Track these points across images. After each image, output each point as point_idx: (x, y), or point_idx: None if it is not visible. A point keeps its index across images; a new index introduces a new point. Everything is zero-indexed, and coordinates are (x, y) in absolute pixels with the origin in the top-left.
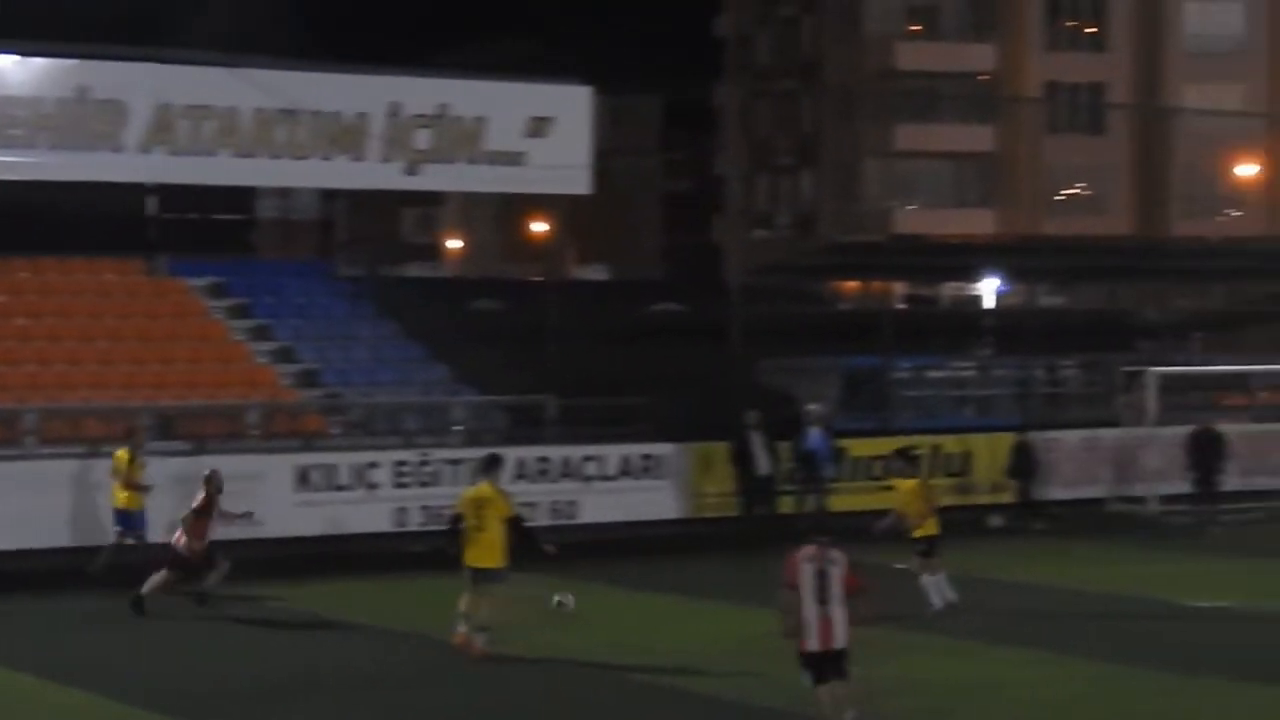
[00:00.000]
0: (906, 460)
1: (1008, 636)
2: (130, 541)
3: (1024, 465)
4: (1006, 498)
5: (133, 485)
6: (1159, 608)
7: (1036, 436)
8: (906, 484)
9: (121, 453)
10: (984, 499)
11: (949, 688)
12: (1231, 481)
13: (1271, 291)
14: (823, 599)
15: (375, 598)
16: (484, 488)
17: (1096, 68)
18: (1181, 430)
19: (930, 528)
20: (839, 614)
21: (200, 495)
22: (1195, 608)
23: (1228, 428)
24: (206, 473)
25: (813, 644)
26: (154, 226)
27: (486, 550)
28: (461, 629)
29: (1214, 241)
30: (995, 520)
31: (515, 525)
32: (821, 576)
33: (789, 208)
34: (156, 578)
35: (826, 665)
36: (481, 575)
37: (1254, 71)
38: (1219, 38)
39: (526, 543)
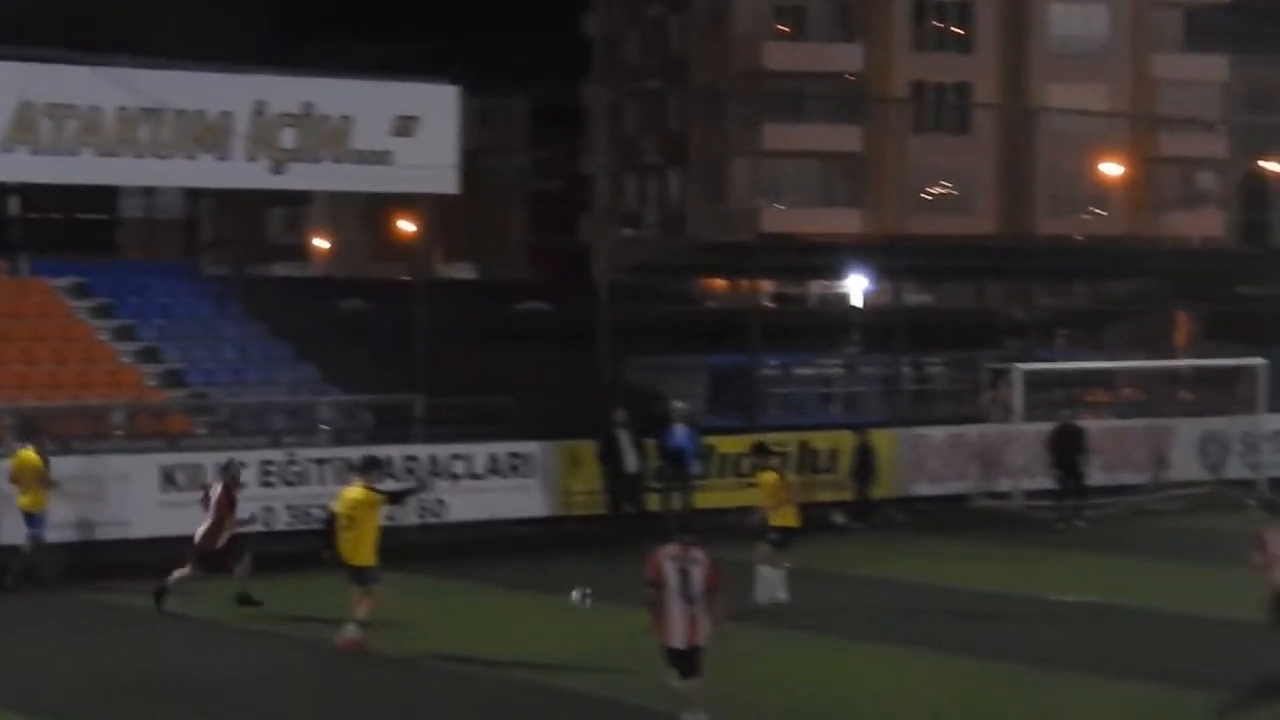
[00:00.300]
0: (764, 454)
1: (876, 634)
2: (31, 544)
3: (863, 465)
4: (876, 494)
5: (47, 484)
6: (1024, 603)
7: (877, 435)
8: (767, 477)
9: (28, 453)
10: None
11: (820, 685)
12: (1095, 477)
13: (1134, 289)
14: (688, 597)
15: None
16: (357, 489)
17: (962, 68)
18: (1046, 427)
19: (788, 519)
20: (702, 613)
21: (218, 487)
22: (1060, 602)
23: (1090, 424)
24: (224, 462)
25: (678, 641)
26: (16, 226)
27: (356, 548)
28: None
29: (1078, 240)
30: (838, 517)
31: (392, 499)
32: (684, 575)
33: (657, 207)
34: (181, 572)
35: (690, 662)
36: (355, 573)
37: (1117, 72)
38: (1083, 39)
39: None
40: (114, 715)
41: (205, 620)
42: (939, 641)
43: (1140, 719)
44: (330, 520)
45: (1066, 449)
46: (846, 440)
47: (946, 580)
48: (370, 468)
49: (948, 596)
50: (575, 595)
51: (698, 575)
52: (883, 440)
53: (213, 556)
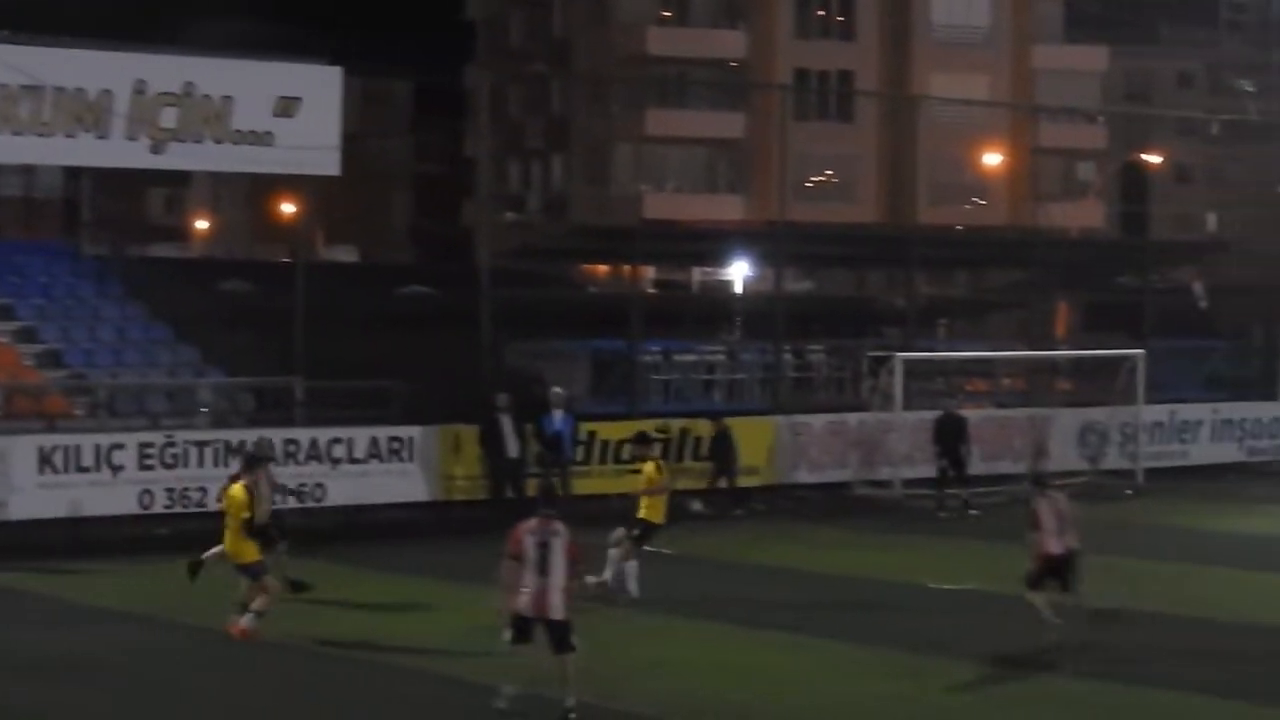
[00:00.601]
0: (646, 443)
1: (757, 619)
2: None
3: (722, 452)
4: (757, 481)
5: None
6: (902, 591)
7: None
8: (647, 467)
9: None
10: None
11: (703, 669)
12: (975, 466)
13: (1014, 280)
14: (544, 570)
15: (120, 581)
16: (234, 488)
17: (845, 56)
18: (927, 415)
19: (655, 513)
20: (558, 586)
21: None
22: (938, 590)
23: (970, 413)
24: (255, 441)
25: (525, 607)
26: None
27: (236, 545)
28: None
29: (959, 230)
30: (696, 505)
31: (247, 526)
32: (543, 548)
33: (540, 192)
34: (215, 550)
35: (530, 631)
36: (240, 569)
37: (999, 62)
38: (966, 28)
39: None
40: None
41: (91, 606)
42: (816, 627)
43: (1010, 703)
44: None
45: (950, 437)
46: (705, 428)
47: (825, 567)
48: (251, 464)
49: (826, 583)
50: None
51: (557, 549)
52: (762, 428)
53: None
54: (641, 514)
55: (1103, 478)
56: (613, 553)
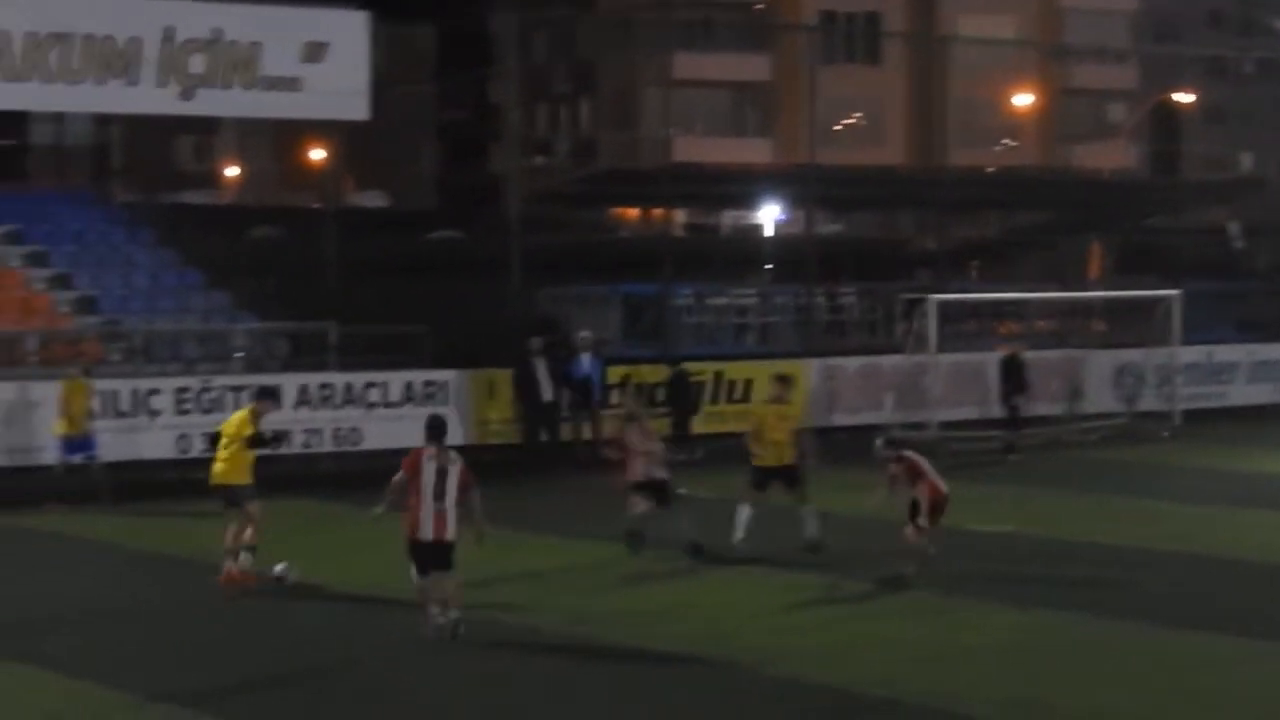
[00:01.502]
0: (786, 384)
1: (786, 563)
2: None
3: (680, 396)
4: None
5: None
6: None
7: (691, 368)
8: (792, 408)
9: (81, 381)
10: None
11: (730, 610)
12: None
13: (1045, 221)
14: (439, 495)
15: (156, 526)
16: (241, 412)
17: None
18: (961, 358)
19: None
20: (452, 510)
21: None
22: (976, 533)
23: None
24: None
25: (426, 534)
26: None
27: (227, 466)
28: (228, 564)
29: (989, 171)
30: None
31: (251, 441)
32: (441, 475)
33: (567, 136)
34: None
35: (431, 556)
36: (226, 492)
37: (1027, 2)
38: None
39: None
40: (36, 645)
41: (127, 549)
42: (850, 570)
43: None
44: (213, 440)
45: (1014, 377)
46: (761, 371)
47: (859, 510)
48: (263, 395)
49: (856, 526)
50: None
51: (453, 475)
52: (794, 371)
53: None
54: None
55: (1139, 420)
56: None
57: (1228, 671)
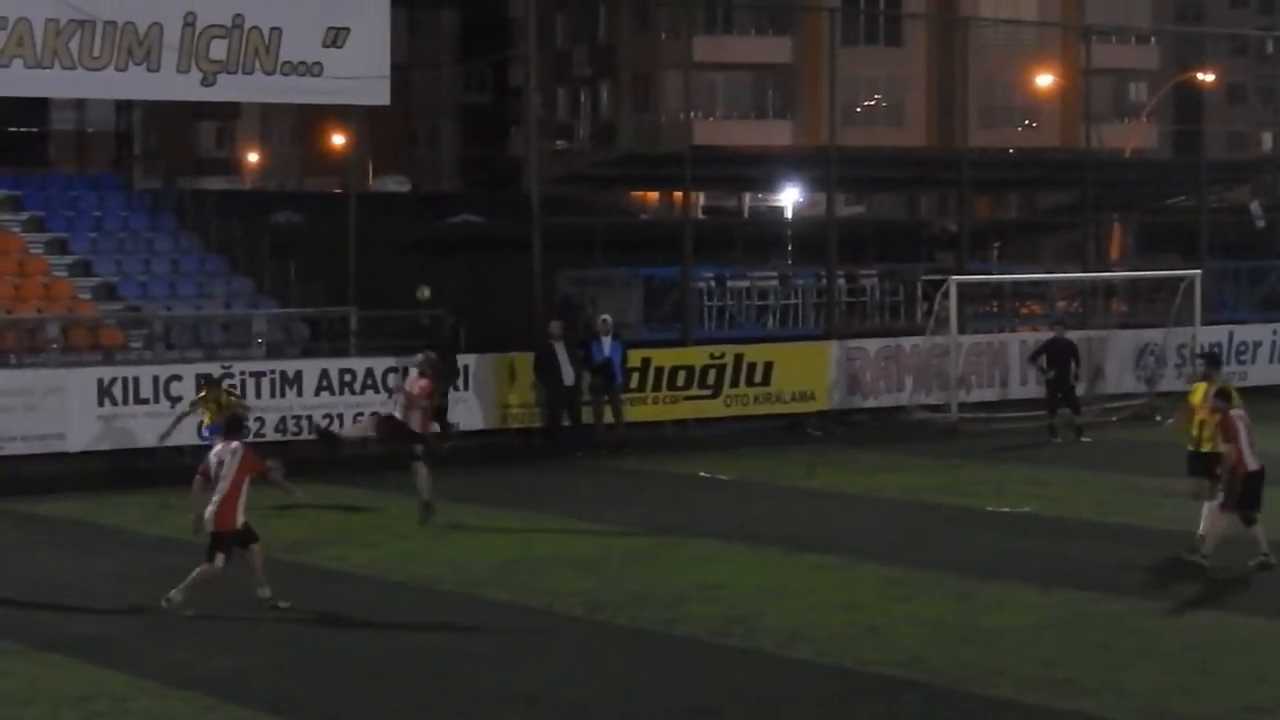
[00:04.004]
0: (1216, 365)
1: (807, 543)
2: None
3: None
4: (813, 407)
5: None
6: (958, 513)
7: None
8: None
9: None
10: (788, 408)
11: (753, 592)
12: (1032, 389)
13: (1066, 201)
14: (219, 486)
15: (178, 511)
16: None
17: None
18: (982, 339)
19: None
20: (228, 497)
21: (419, 379)
22: (996, 513)
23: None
24: (421, 356)
25: (212, 522)
26: None
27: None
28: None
29: (1010, 152)
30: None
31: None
32: (220, 465)
33: (588, 119)
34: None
35: (229, 543)
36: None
37: None
38: None
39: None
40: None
41: (148, 534)
42: (872, 551)
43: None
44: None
45: (1061, 361)
46: (782, 353)
47: (877, 490)
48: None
49: (877, 506)
50: None
51: (230, 465)
52: (816, 353)
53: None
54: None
55: (1160, 400)
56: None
57: (1256, 652)
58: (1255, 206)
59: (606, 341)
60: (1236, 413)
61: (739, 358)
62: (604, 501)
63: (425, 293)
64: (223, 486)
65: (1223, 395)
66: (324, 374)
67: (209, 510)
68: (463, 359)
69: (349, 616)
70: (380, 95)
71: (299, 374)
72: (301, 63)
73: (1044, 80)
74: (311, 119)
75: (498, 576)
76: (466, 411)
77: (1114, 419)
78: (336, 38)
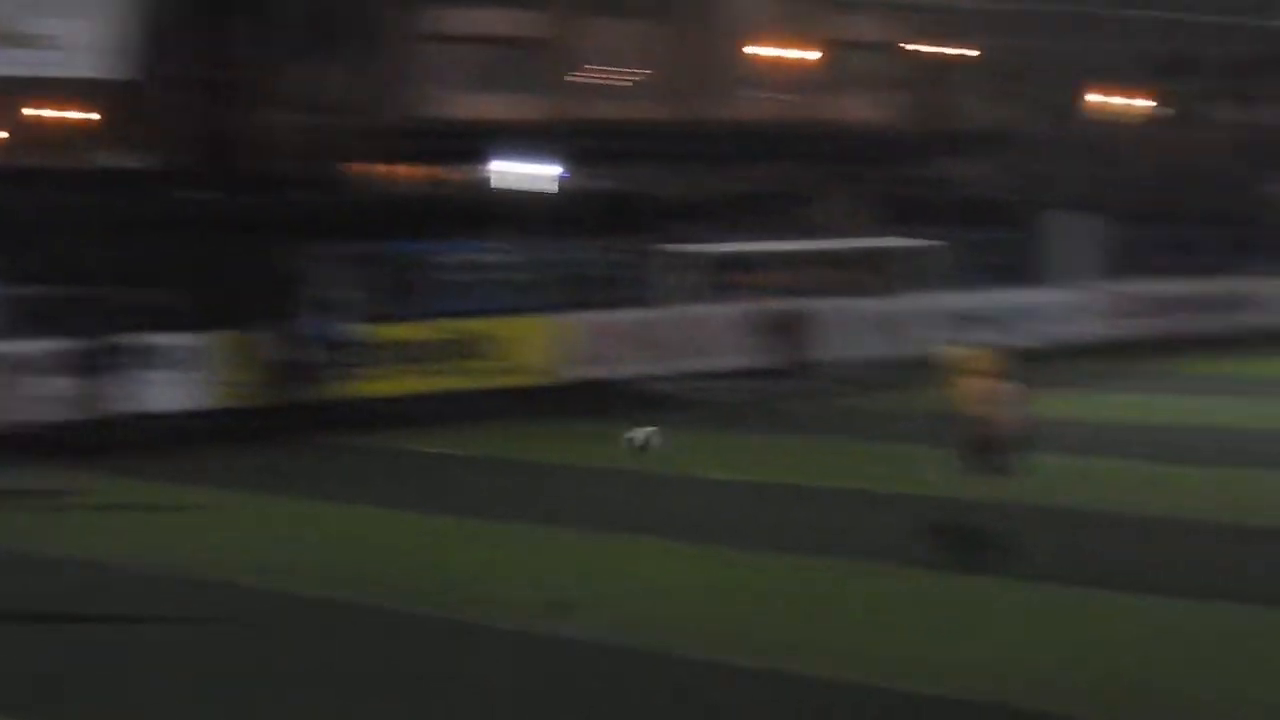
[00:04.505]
0: None
1: (557, 516)
2: None
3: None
4: (531, 380)
5: None
6: (681, 484)
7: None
8: None
9: None
10: (517, 380)
11: (577, 574)
12: (757, 359)
13: (807, 172)
14: None
15: None
16: None
17: None
18: (716, 310)
19: None
20: None
21: None
22: (713, 481)
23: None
24: None
25: None
26: None
27: None
28: None
29: (748, 123)
30: None
31: None
32: None
33: (316, 93)
34: None
35: None
36: None
37: None
38: None
39: None
40: None
41: None
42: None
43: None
44: None
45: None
46: (512, 326)
47: (606, 463)
48: None
49: (601, 477)
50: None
51: None
52: (535, 326)
53: None
54: None
55: (878, 368)
56: None
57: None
58: (998, 178)
59: (330, 317)
60: (995, 380)
61: (470, 331)
62: (344, 479)
63: None
64: None
65: (982, 362)
66: (51, 355)
67: None
68: (187, 338)
69: None
70: (112, 68)
71: None
72: (30, 35)
73: (789, 52)
74: (39, 91)
75: (221, 559)
76: (190, 391)
77: (838, 387)
78: (67, 8)
